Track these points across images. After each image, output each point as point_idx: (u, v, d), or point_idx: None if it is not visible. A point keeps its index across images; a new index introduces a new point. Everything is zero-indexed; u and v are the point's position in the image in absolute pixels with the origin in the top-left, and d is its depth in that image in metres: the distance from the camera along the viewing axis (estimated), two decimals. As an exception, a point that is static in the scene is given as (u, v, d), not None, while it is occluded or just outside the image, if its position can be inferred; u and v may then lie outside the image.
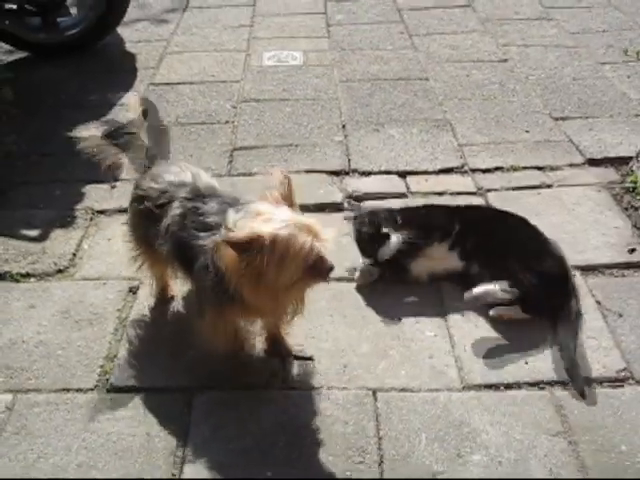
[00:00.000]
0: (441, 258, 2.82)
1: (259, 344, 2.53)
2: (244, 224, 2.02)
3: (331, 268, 2.04)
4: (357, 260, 2.90)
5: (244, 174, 3.57)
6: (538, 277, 2.65)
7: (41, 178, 3.54)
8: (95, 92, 4.31)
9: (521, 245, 2.79)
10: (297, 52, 4.89)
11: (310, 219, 2.06)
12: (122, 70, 4.67)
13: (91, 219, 3.26)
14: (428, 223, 2.87)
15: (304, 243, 1.97)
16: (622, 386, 2.40)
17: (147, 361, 2.52)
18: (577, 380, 2.40)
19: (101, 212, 3.31)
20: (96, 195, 3.41)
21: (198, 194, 2.32)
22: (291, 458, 2.17)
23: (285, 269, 1.98)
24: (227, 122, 4.03)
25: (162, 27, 5.37)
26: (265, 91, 4.36)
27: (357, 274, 2.86)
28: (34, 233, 3.14)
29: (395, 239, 2.76)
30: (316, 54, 4.86)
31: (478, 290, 2.68)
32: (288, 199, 2.11)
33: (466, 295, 2.70)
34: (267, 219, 1.99)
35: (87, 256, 3.03)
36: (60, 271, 2.94)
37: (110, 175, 2.78)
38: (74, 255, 3.03)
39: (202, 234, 2.20)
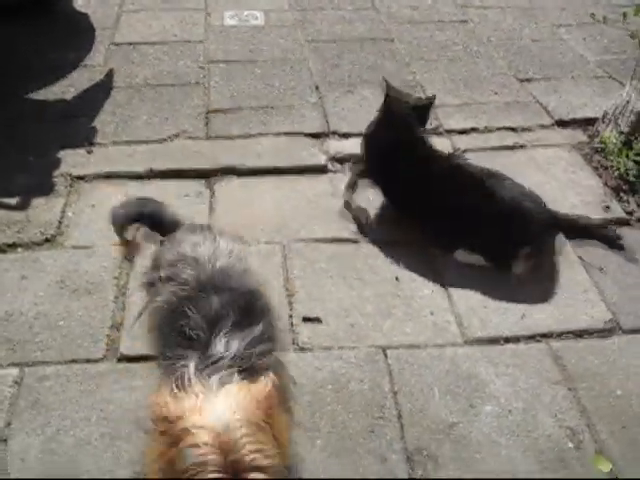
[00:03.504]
0: None
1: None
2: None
3: None
4: (346, 224, 2.97)
5: (223, 137, 3.53)
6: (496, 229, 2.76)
7: (12, 145, 3.38)
8: (55, 53, 4.12)
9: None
10: (258, 11, 4.80)
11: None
12: (80, 30, 4.45)
13: (71, 185, 3.17)
14: None
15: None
16: (610, 336, 2.57)
17: (154, 328, 2.51)
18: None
19: (80, 178, 3.21)
20: (72, 160, 3.30)
21: (199, 282, 1.89)
22: (314, 417, 2.24)
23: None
24: (197, 83, 3.95)
25: (114, -17, 5.16)
26: (231, 52, 4.28)
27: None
28: (14, 201, 3.03)
29: None
30: (277, 14, 4.79)
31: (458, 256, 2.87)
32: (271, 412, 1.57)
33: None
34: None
35: (73, 224, 2.95)
36: (48, 240, 2.86)
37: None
38: (60, 223, 2.95)
39: (180, 351, 1.76)
